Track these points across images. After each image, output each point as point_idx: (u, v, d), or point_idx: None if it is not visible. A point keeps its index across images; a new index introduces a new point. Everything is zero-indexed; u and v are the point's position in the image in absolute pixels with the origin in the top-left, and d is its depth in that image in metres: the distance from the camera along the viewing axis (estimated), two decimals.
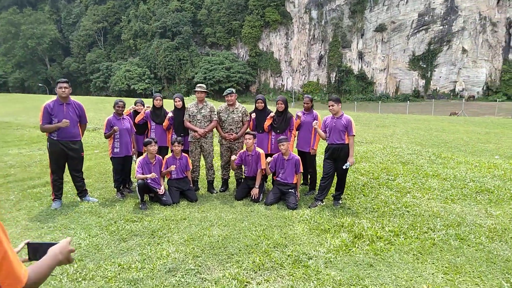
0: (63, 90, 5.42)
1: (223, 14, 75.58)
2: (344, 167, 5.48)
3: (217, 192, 6.41)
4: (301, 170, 5.89)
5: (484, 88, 68.51)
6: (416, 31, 72.10)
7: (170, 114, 6.39)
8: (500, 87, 67.17)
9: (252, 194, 5.87)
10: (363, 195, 6.05)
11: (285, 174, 5.85)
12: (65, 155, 5.58)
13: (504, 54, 68.66)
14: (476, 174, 7.09)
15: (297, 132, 6.26)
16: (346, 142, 5.48)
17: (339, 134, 5.48)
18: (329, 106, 5.55)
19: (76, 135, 5.68)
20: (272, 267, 3.79)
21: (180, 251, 4.17)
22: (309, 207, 5.59)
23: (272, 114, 6.12)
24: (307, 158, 6.11)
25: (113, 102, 6.22)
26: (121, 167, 6.19)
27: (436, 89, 71.22)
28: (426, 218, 5.05)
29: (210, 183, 6.52)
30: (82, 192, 5.94)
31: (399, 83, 74.10)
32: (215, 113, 6.32)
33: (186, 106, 6.48)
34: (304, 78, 79.76)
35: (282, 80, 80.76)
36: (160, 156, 6.08)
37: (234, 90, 6.30)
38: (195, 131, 6.16)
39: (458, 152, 10.56)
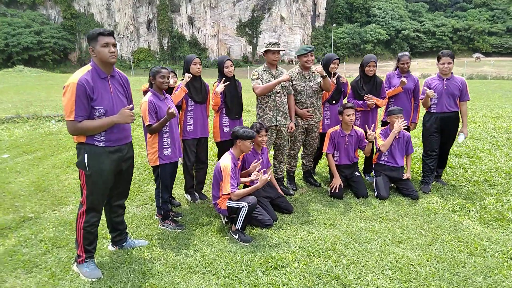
0: (112, 50, 2.71)
1: None
2: (459, 140, 4.68)
3: (293, 194, 4.62)
4: (413, 150, 4.76)
5: None
6: None
7: (220, 87, 4.07)
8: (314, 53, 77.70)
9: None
10: (449, 166, 5.40)
11: (394, 155, 4.60)
12: (116, 173, 2.93)
13: (312, 22, 79.10)
14: (483, 130, 7.42)
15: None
16: (458, 110, 4.62)
17: (452, 99, 4.58)
18: (444, 64, 4.52)
19: (130, 133, 3.02)
20: None
21: None
22: (424, 192, 4.61)
23: (333, 79, 4.61)
24: None
25: (151, 71, 3.52)
26: (171, 179, 3.68)
27: (262, 54, 76.95)
28: None
29: (280, 182, 4.65)
30: (122, 233, 3.27)
31: (229, 49, 76.60)
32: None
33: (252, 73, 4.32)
34: (134, 45, 73.42)
35: None
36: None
37: (313, 47, 4.45)
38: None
39: None
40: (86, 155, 2.76)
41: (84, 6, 70.00)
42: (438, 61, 4.63)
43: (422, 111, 4.88)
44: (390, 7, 77.67)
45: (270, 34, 75.79)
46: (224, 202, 3.57)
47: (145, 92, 3.83)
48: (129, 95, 3.06)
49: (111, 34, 2.77)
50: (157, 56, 73.27)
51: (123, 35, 71.81)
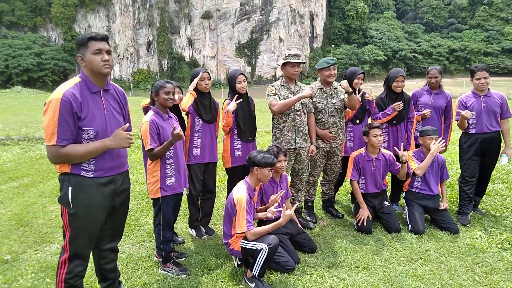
0: (106, 58, 2.22)
1: None
2: (502, 162, 4.14)
3: (313, 227, 4.02)
4: (448, 176, 4.20)
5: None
6: (239, 19, 75.82)
7: (232, 105, 3.54)
8: (310, 72, 78.30)
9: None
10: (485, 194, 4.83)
11: (429, 181, 4.04)
12: (108, 210, 2.35)
13: (310, 43, 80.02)
14: None
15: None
16: (499, 129, 4.10)
17: (493, 117, 4.07)
18: (479, 80, 4.03)
19: (126, 160, 2.46)
20: None
21: None
22: (463, 224, 4.03)
23: (358, 96, 4.09)
24: None
25: (153, 86, 3.00)
26: (174, 214, 3.11)
27: (261, 75, 77.44)
28: None
29: (298, 213, 4.05)
30: (114, 282, 2.66)
31: (228, 70, 76.89)
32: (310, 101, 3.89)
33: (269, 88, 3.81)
34: (134, 66, 73.88)
35: None
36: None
37: (336, 60, 3.94)
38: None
39: None
40: (70, 188, 2.20)
41: (85, 28, 70.76)
42: (472, 76, 4.14)
43: (455, 132, 4.36)
44: (387, 28, 78.85)
45: (268, 55, 76.37)
46: (237, 242, 2.98)
47: (145, 109, 3.30)
48: (126, 114, 2.51)
49: (104, 38, 2.25)
50: (156, 77, 73.51)
51: (123, 57, 72.29)
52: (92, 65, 2.20)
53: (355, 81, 4.15)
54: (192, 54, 75.69)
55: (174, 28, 74.45)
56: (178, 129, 2.79)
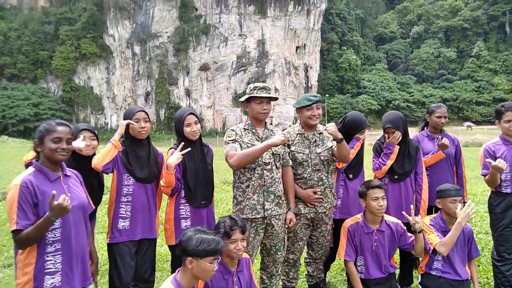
0: None
1: (26, 42, 64.28)
2: None
3: None
4: (479, 253, 3.10)
5: (294, 122, 78.96)
6: (236, 71, 77.97)
7: (175, 156, 2.53)
8: None
9: None
10: None
11: (453, 261, 2.92)
12: None
13: (305, 93, 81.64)
14: None
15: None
16: None
17: None
18: (510, 122, 3.07)
19: None
20: None
21: None
22: None
23: (361, 139, 3.16)
24: None
25: (37, 130, 2.00)
26: None
27: None
28: None
29: None
30: None
31: (225, 119, 77.64)
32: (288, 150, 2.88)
33: (229, 134, 2.81)
34: None
35: (105, 118, 73.42)
36: None
37: (320, 97, 2.99)
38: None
39: None
40: None
41: (84, 80, 72.53)
42: (499, 118, 3.19)
43: (473, 183, 3.32)
44: (379, 79, 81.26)
45: None
46: None
47: (28, 166, 2.27)
48: None
49: None
50: (153, 126, 73.60)
51: (121, 107, 73.02)
52: None
53: (358, 135, 3.19)
54: (190, 103, 76.63)
55: (172, 79, 75.99)
56: (61, 198, 1.73)
